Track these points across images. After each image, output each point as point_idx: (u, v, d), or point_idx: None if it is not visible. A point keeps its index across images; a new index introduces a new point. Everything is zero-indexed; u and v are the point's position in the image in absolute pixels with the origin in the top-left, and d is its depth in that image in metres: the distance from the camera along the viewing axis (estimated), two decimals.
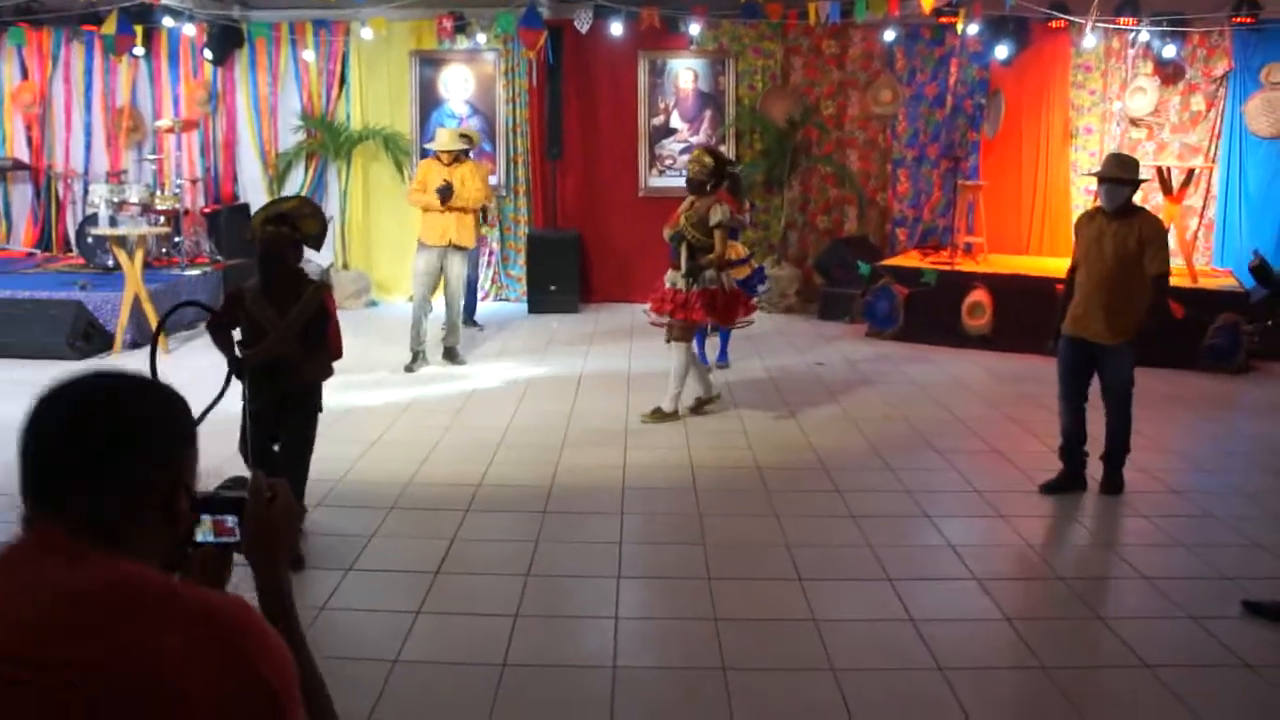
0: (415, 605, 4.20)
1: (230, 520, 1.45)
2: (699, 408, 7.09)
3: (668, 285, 6.84)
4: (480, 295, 10.87)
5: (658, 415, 6.91)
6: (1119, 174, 5.37)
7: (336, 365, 4.87)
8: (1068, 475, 5.64)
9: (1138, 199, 5.53)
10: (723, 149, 10.72)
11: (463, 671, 3.70)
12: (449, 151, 8.33)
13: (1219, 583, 4.48)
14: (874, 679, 3.66)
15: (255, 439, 4.55)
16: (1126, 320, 5.36)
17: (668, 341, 6.91)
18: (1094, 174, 5.86)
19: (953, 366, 8.66)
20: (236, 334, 4.67)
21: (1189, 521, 5.24)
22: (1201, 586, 4.46)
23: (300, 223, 4.63)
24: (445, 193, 8.14)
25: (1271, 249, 9.12)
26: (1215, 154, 10.10)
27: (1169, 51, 9.95)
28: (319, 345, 4.71)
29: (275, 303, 4.61)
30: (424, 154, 10.42)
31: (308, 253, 4.77)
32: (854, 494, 5.56)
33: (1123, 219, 5.35)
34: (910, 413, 7.21)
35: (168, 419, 1.36)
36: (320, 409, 4.86)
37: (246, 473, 1.54)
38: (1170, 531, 5.10)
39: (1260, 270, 5.01)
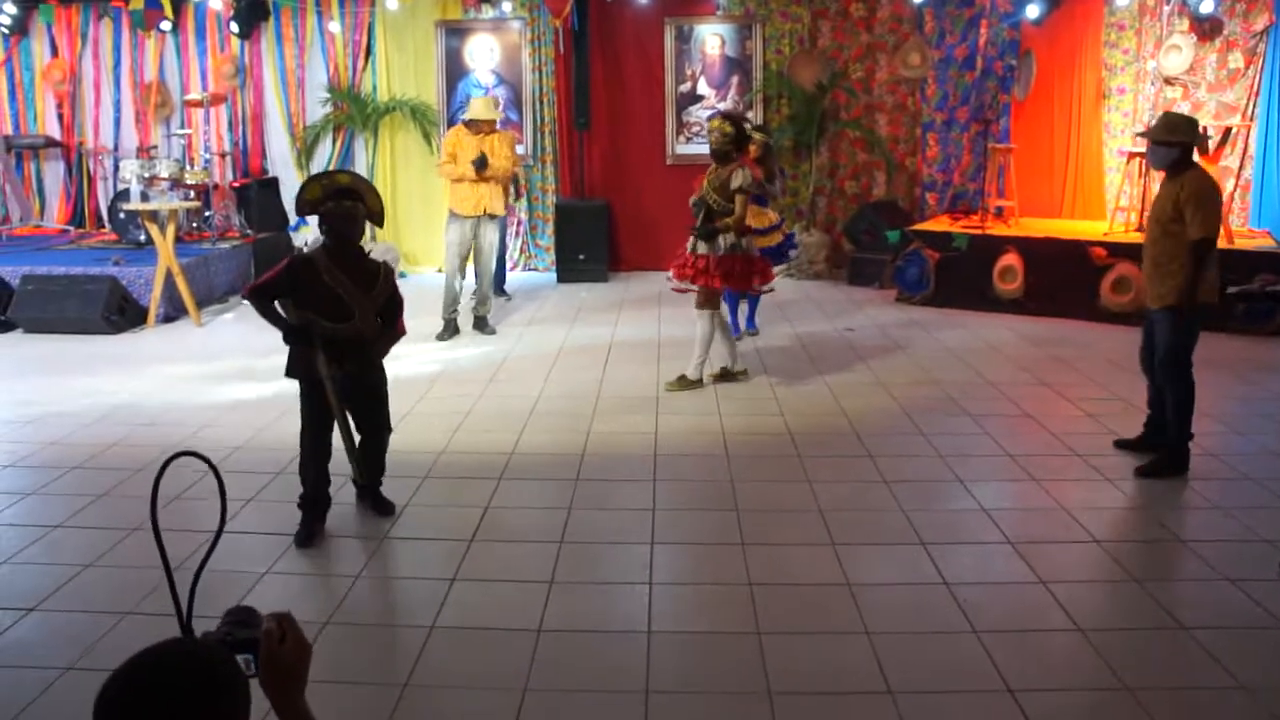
0: (450, 572, 4.24)
1: (250, 658, 1.54)
2: (724, 377, 7.08)
3: (688, 251, 6.81)
4: (509, 265, 10.89)
5: (682, 383, 6.90)
6: (1160, 135, 5.21)
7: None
8: (1141, 439, 5.59)
9: None
10: (751, 115, 10.66)
11: (498, 637, 3.74)
12: (486, 120, 8.32)
13: (1256, 545, 4.45)
14: (908, 642, 3.67)
15: (342, 409, 4.56)
16: (1163, 285, 5.21)
17: (698, 308, 6.89)
18: (1140, 135, 5.68)
19: (984, 331, 8.60)
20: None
21: (1225, 484, 5.19)
22: (1238, 549, 4.43)
23: (366, 198, 4.63)
24: (480, 164, 8.15)
25: None
26: (1253, 112, 9.87)
27: (1206, 7, 9.71)
28: (391, 326, 4.71)
29: (348, 274, 4.55)
30: (452, 123, 10.42)
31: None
32: (886, 459, 5.55)
33: (1173, 179, 5.19)
34: (942, 377, 7.17)
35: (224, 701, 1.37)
36: (385, 379, 4.85)
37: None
38: (1206, 494, 5.07)
39: None
